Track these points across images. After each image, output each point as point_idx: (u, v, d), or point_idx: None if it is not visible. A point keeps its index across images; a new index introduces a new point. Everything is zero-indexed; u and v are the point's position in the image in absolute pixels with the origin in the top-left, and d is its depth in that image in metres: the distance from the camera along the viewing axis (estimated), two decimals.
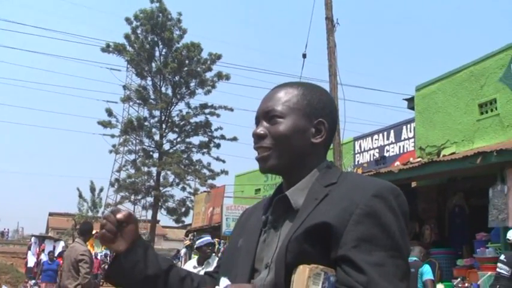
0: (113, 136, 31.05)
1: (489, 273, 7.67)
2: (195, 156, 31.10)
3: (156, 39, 30.23)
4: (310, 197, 1.31)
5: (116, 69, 32.80)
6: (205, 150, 30.70)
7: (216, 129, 30.73)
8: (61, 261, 12.72)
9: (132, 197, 30.33)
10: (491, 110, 9.11)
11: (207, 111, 30.55)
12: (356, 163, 14.25)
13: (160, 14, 29.89)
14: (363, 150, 14.18)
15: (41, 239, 23.78)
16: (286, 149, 1.36)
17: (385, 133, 13.42)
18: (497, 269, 6.68)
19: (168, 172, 30.01)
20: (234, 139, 30.54)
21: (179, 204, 30.81)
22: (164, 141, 30.96)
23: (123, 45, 29.98)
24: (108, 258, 25.25)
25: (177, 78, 30.18)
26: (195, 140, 31.06)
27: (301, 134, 1.37)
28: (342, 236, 1.19)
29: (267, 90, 1.46)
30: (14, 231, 58.78)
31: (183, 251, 16.87)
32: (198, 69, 29.88)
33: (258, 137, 1.39)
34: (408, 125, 12.56)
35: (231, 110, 30.61)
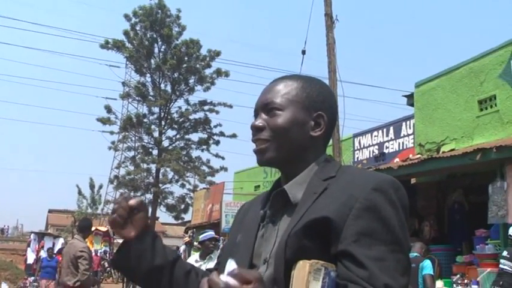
0: (112, 133, 31.05)
1: (488, 269, 7.67)
2: (194, 153, 31.12)
3: (155, 35, 30.19)
4: (309, 191, 1.29)
5: (115, 66, 32.80)
6: (204, 147, 30.70)
7: (215, 126, 30.74)
8: (60, 258, 12.72)
9: (132, 193, 30.29)
10: (491, 107, 9.10)
11: (206, 108, 30.55)
12: (355, 160, 14.24)
13: (160, 11, 29.86)
14: (362, 146, 14.17)
15: (41, 235, 23.80)
16: (285, 141, 1.34)
17: (385, 130, 13.41)
18: (500, 265, 6.67)
19: (168, 169, 30.02)
20: (233, 136, 30.53)
21: (178, 201, 30.84)
22: (163, 138, 30.96)
23: (122, 42, 29.94)
24: (107, 255, 25.24)
25: (176, 75, 30.16)
26: (194, 136, 31.08)
27: (300, 127, 1.35)
28: (342, 231, 1.18)
29: None
30: (14, 228, 58.86)
31: (182, 248, 16.87)
32: (197, 66, 29.86)
33: (256, 129, 1.37)
34: (407, 122, 12.54)
35: (230, 106, 30.61)
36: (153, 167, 30.52)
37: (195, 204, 23.59)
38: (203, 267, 4.25)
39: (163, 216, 34.59)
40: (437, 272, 8.33)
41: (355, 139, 14.46)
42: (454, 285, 8.34)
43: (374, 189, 1.21)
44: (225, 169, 30.08)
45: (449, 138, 9.86)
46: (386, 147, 13.21)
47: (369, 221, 1.18)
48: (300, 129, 1.35)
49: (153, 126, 30.96)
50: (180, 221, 31.16)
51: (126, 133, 30.78)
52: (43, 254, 18.05)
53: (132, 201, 1.36)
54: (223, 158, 30.81)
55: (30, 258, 22.67)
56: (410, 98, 11.74)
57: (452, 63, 10.13)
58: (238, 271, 0.95)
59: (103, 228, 26.79)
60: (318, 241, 1.20)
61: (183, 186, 30.58)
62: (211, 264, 6.30)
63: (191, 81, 30.43)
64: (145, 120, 30.91)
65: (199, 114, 30.76)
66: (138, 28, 30.14)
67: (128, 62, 32.30)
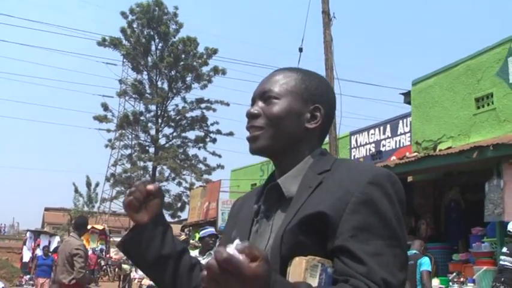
0: (108, 131, 31.05)
1: (485, 267, 7.68)
2: (191, 151, 31.13)
3: (152, 33, 30.18)
4: (304, 185, 1.27)
5: (111, 64, 32.76)
6: (201, 144, 30.72)
7: (212, 124, 30.76)
8: (56, 257, 12.69)
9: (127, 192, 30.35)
10: (488, 105, 9.10)
11: (203, 105, 30.55)
12: (352, 158, 14.24)
13: (157, 8, 29.83)
14: (359, 144, 14.16)
15: (37, 234, 23.78)
16: (279, 130, 1.32)
17: (382, 128, 13.41)
18: (501, 262, 6.68)
19: (164, 167, 30.04)
20: (230, 134, 30.55)
21: (175, 199, 30.86)
22: (160, 136, 30.96)
23: (119, 39, 29.90)
24: (103, 253, 25.22)
25: (173, 72, 30.15)
26: (191, 134, 31.10)
27: (296, 117, 1.33)
28: (338, 226, 1.16)
29: None
30: (10, 226, 58.67)
31: None
32: (194, 63, 29.86)
33: (251, 116, 1.36)
34: (404, 120, 12.54)
35: (227, 104, 30.64)
36: (149, 165, 30.53)
37: (192, 202, 23.59)
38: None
39: None
40: (434, 270, 8.35)
41: (352, 137, 14.46)
42: (451, 283, 8.36)
43: (370, 183, 1.19)
44: (222, 167, 30.12)
45: (446, 136, 9.86)
46: (383, 145, 13.21)
47: (366, 215, 1.16)
48: (295, 120, 1.33)
49: (149, 124, 30.97)
50: (176, 219, 31.13)
51: (123, 131, 30.77)
52: (39, 252, 18.02)
53: (150, 186, 1.37)
54: (220, 156, 30.86)
55: (26, 256, 22.65)
56: (407, 96, 11.74)
57: (450, 61, 10.11)
58: (246, 245, 0.92)
59: (99, 227, 26.78)
60: (314, 237, 1.17)
61: (179, 184, 30.61)
62: None
63: (188, 79, 30.44)
64: (142, 118, 30.91)
65: (196, 112, 30.80)
66: (135, 25, 30.13)
67: (124, 60, 32.30)
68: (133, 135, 31.35)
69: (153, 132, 30.74)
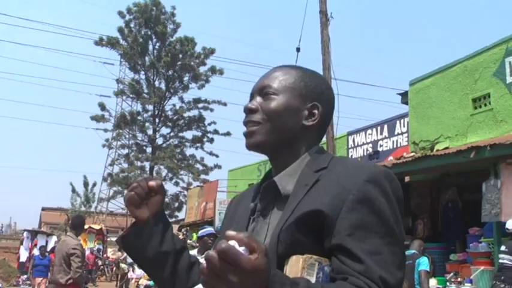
0: (106, 130, 31.03)
1: (482, 267, 7.69)
2: (188, 151, 31.13)
3: (149, 33, 30.15)
4: (300, 182, 1.26)
5: (109, 63, 32.73)
6: (198, 144, 30.72)
7: (209, 124, 30.76)
8: (53, 257, 12.65)
9: (125, 191, 30.32)
10: (485, 105, 9.11)
11: (200, 105, 30.54)
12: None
13: (154, 8, 29.80)
14: (356, 145, 14.17)
15: (34, 233, 23.72)
16: (275, 126, 1.31)
17: (379, 128, 13.42)
18: (500, 260, 6.69)
19: (161, 167, 30.01)
20: (228, 134, 30.55)
21: (172, 199, 30.83)
22: (157, 136, 30.96)
23: (116, 39, 29.86)
24: (100, 253, 25.19)
25: (170, 72, 30.14)
26: (188, 134, 31.10)
27: (293, 114, 1.32)
28: (336, 224, 1.15)
29: None
30: (7, 226, 58.55)
31: None
32: (192, 63, 29.84)
33: (248, 111, 1.35)
34: (402, 120, 12.55)
35: (225, 104, 30.63)
36: (147, 164, 30.51)
37: (189, 202, 23.56)
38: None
39: None
40: (431, 271, 8.35)
41: (349, 137, 14.47)
42: (448, 284, 8.36)
43: (367, 181, 1.18)
44: (219, 167, 30.11)
45: (444, 136, 9.87)
46: (381, 146, 13.22)
47: (363, 213, 1.15)
48: (292, 116, 1.32)
49: (147, 124, 30.96)
50: (173, 219, 31.12)
51: (120, 131, 30.74)
52: (36, 252, 17.97)
53: (152, 182, 1.36)
54: (217, 156, 30.86)
55: (23, 256, 22.60)
56: (404, 96, 11.75)
57: (447, 62, 10.13)
58: (245, 235, 0.91)
59: (97, 226, 26.73)
60: (311, 235, 1.16)
61: (176, 184, 30.60)
62: None
63: (185, 78, 30.44)
64: (139, 117, 30.88)
65: (194, 112, 30.80)
66: (132, 25, 30.09)
67: (122, 59, 32.28)
68: (130, 135, 31.34)
69: (150, 132, 30.74)
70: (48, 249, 18.22)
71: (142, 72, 31.02)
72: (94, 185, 33.60)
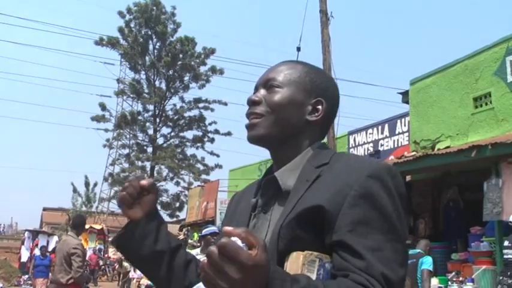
0: (106, 130, 31.04)
1: (484, 267, 7.68)
2: (189, 151, 31.14)
3: (149, 32, 30.16)
4: (301, 178, 1.25)
5: (109, 63, 32.74)
6: (199, 144, 30.73)
7: (210, 124, 30.77)
8: (54, 257, 12.65)
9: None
10: (486, 104, 9.10)
11: (201, 105, 30.55)
12: None
13: (154, 8, 29.81)
14: (357, 144, 14.16)
15: (35, 233, 23.75)
16: (278, 119, 1.30)
17: (380, 127, 13.40)
18: (504, 256, 6.68)
19: (162, 166, 30.01)
20: (228, 133, 30.56)
21: (173, 198, 30.85)
22: (158, 136, 30.97)
23: (116, 39, 29.87)
24: (102, 253, 25.21)
25: (171, 72, 30.15)
26: (189, 134, 31.11)
27: (297, 108, 1.32)
28: (337, 220, 1.13)
29: None
30: (8, 226, 58.56)
31: None
32: (192, 63, 29.84)
33: (252, 103, 1.34)
34: (402, 119, 12.53)
35: (225, 104, 30.64)
36: (147, 164, 30.53)
37: (190, 202, 23.56)
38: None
39: None
40: (433, 270, 8.35)
41: (350, 137, 14.45)
42: (449, 283, 8.35)
43: (369, 176, 1.16)
44: (220, 167, 30.13)
45: (444, 135, 9.85)
46: (381, 145, 13.20)
47: (365, 209, 1.13)
48: (296, 110, 1.31)
49: (147, 124, 30.98)
50: (174, 219, 31.14)
51: (121, 131, 30.75)
52: (37, 252, 17.98)
53: (143, 182, 1.36)
54: (218, 156, 30.87)
55: (24, 256, 22.62)
56: (405, 96, 11.74)
57: (448, 61, 10.10)
58: (243, 231, 0.91)
59: (98, 226, 26.77)
60: (312, 231, 1.15)
61: (177, 184, 30.60)
62: None
63: (186, 78, 30.45)
64: (139, 117, 30.89)
65: (194, 112, 30.81)
66: (132, 25, 30.10)
67: (122, 59, 32.31)
68: (131, 135, 31.36)
69: (151, 131, 30.74)
70: (50, 249, 18.23)
71: (143, 72, 31.05)
72: (95, 185, 33.66)
